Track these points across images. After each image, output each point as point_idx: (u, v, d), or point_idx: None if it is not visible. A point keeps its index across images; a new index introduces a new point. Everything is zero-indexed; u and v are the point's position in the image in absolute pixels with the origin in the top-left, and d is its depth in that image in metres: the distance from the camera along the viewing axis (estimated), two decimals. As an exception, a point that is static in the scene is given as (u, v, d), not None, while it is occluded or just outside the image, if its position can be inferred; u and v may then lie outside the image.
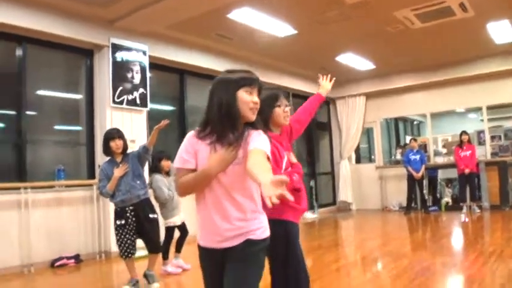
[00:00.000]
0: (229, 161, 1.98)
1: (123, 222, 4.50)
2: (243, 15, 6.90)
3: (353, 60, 9.89)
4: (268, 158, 1.92)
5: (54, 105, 6.85)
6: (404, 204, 10.58)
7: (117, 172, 4.49)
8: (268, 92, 2.83)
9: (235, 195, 2.02)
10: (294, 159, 2.86)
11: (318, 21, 7.24)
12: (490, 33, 8.33)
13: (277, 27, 7.54)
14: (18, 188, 5.69)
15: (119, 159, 4.59)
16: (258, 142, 1.98)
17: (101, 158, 6.01)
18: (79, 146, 6.87)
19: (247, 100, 2.02)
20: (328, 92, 3.23)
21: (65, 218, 6.20)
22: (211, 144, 2.02)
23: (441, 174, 11.38)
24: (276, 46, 8.38)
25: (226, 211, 2.01)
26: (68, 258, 6.01)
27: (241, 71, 2.13)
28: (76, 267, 5.95)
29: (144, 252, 5.08)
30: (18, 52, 6.12)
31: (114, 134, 4.63)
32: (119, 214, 4.54)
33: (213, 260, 2.08)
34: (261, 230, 2.08)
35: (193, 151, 2.06)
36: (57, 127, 6.92)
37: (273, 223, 2.33)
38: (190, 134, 2.12)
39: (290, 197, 1.55)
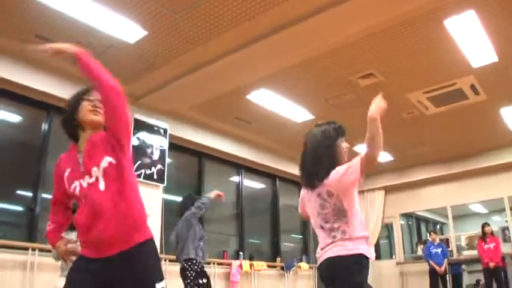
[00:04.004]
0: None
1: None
2: (261, 97, 7.17)
3: (371, 151, 9.88)
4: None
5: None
6: (428, 303, 9.95)
7: None
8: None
9: None
10: None
11: (335, 105, 7.39)
12: (504, 120, 8.18)
13: (294, 112, 7.72)
14: (27, 249, 5.49)
15: None
16: None
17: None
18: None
19: None
20: None
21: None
22: None
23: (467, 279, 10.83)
24: (294, 132, 8.20)
25: None
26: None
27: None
28: None
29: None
30: (45, 123, 6.35)
31: None
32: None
33: None
34: None
35: None
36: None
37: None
38: None
39: None
